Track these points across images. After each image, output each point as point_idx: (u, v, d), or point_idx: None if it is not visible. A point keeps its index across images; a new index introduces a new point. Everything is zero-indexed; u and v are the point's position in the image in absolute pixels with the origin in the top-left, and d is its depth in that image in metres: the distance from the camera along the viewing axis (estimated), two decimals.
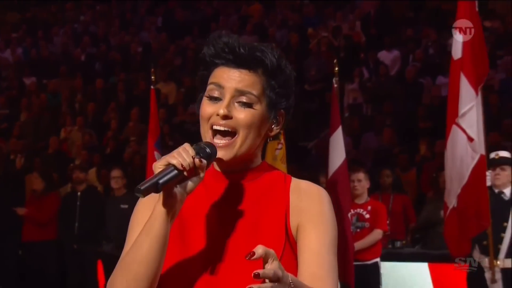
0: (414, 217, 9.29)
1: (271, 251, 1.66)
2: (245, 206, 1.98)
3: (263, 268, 1.83)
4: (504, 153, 6.55)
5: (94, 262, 9.07)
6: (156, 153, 8.07)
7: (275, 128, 2.04)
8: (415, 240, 9.02)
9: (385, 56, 14.67)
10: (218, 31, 2.05)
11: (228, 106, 1.94)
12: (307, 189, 2.02)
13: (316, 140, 13.07)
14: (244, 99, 1.95)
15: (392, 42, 15.07)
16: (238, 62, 1.97)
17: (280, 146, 7.42)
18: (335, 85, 7.57)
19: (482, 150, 5.80)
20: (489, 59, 13.81)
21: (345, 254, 6.97)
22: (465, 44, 5.82)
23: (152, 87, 7.98)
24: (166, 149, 8.50)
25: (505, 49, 14.38)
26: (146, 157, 12.00)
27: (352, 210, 7.44)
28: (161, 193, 1.84)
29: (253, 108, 1.95)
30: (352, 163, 8.62)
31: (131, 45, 17.34)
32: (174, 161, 1.82)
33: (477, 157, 5.75)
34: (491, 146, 6.86)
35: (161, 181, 1.79)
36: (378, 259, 7.55)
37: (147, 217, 1.95)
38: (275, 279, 1.63)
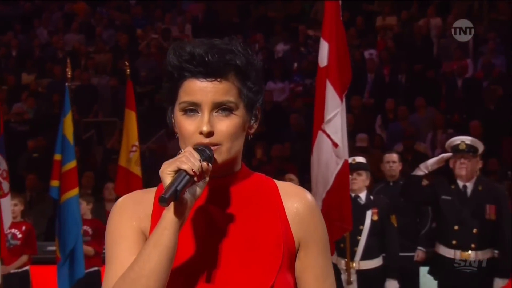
0: None
1: None
2: (234, 211, 1.91)
3: (263, 273, 1.82)
4: (360, 159, 6.80)
5: None
6: None
7: (254, 124, 1.96)
8: None
9: None
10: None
11: (209, 121, 1.84)
12: (298, 194, 1.97)
13: (150, 143, 12.95)
14: (223, 108, 1.86)
15: None
16: (209, 72, 1.85)
17: (134, 148, 7.28)
18: None
19: (346, 156, 5.98)
20: (315, 68, 14.35)
21: None
22: (331, 51, 5.97)
23: None
24: None
25: None
26: None
27: None
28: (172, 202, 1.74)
29: (234, 114, 1.87)
30: None
31: None
32: (185, 167, 1.73)
33: (341, 163, 5.92)
34: None
35: (178, 187, 1.71)
36: None
37: (128, 228, 1.87)
38: None
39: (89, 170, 10.67)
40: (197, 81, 1.85)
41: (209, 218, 1.89)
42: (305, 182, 8.89)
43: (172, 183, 1.71)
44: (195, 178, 1.75)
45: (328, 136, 5.90)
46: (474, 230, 6.31)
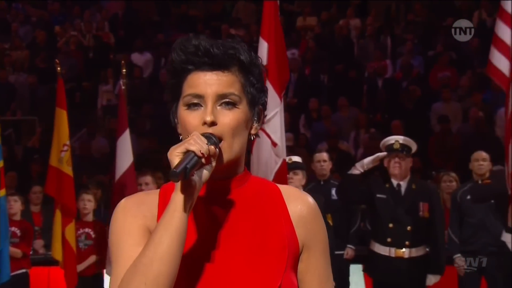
0: None
1: None
2: (239, 212, 1.89)
3: (270, 274, 1.82)
4: (296, 158, 6.85)
5: None
6: None
7: (256, 125, 1.96)
8: None
9: (137, 58, 14.65)
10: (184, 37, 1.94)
11: (213, 112, 1.84)
12: (301, 197, 1.97)
13: (72, 141, 12.69)
14: (226, 100, 1.86)
15: (143, 45, 15.11)
16: (213, 64, 1.86)
17: (66, 148, 7.12)
18: (123, 87, 7.44)
19: (284, 155, 6.01)
20: None
21: None
22: (270, 50, 5.98)
23: None
24: None
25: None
26: None
27: None
28: (178, 184, 1.73)
29: (237, 108, 1.87)
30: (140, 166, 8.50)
31: None
32: (193, 148, 1.72)
33: (280, 162, 5.95)
34: None
35: (188, 165, 1.70)
36: None
37: (134, 226, 1.84)
38: None
39: (11, 170, 10.37)
40: (201, 73, 1.86)
41: (214, 220, 1.88)
42: None
43: (181, 162, 1.70)
44: (203, 160, 1.74)
45: (268, 135, 5.92)
46: (408, 228, 6.45)
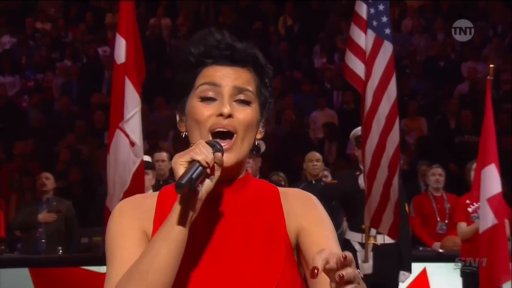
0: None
1: (349, 255, 1.49)
2: (235, 216, 1.87)
3: (263, 275, 1.82)
4: (146, 158, 6.69)
5: None
6: None
7: (261, 130, 1.94)
8: (11, 244, 8.67)
9: None
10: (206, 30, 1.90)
11: (230, 104, 1.83)
12: (296, 194, 1.96)
13: None
14: (242, 96, 1.85)
15: None
16: (233, 58, 1.86)
17: None
18: None
19: (142, 155, 5.89)
20: (47, 63, 13.84)
21: None
22: (128, 48, 5.83)
23: None
24: None
25: (60, 52, 14.58)
26: None
27: None
28: (180, 195, 1.69)
29: (251, 106, 1.86)
30: None
31: None
32: (199, 157, 1.69)
33: (138, 162, 5.82)
34: None
35: (193, 176, 1.66)
36: None
37: (130, 228, 1.82)
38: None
39: None
40: (218, 67, 1.86)
41: (212, 222, 1.86)
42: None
43: (186, 172, 1.66)
44: (208, 170, 1.71)
45: (126, 135, 5.77)
46: None
